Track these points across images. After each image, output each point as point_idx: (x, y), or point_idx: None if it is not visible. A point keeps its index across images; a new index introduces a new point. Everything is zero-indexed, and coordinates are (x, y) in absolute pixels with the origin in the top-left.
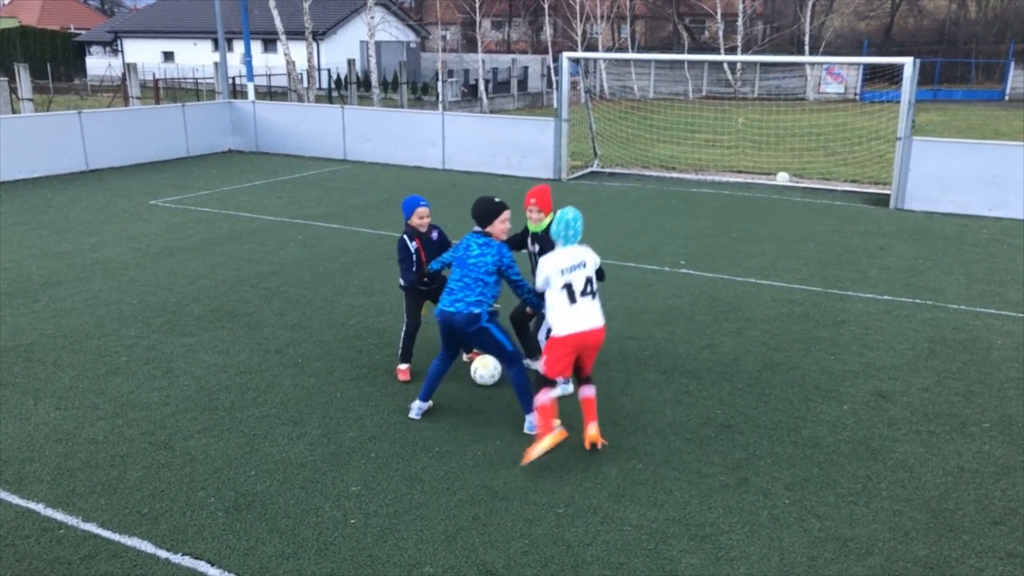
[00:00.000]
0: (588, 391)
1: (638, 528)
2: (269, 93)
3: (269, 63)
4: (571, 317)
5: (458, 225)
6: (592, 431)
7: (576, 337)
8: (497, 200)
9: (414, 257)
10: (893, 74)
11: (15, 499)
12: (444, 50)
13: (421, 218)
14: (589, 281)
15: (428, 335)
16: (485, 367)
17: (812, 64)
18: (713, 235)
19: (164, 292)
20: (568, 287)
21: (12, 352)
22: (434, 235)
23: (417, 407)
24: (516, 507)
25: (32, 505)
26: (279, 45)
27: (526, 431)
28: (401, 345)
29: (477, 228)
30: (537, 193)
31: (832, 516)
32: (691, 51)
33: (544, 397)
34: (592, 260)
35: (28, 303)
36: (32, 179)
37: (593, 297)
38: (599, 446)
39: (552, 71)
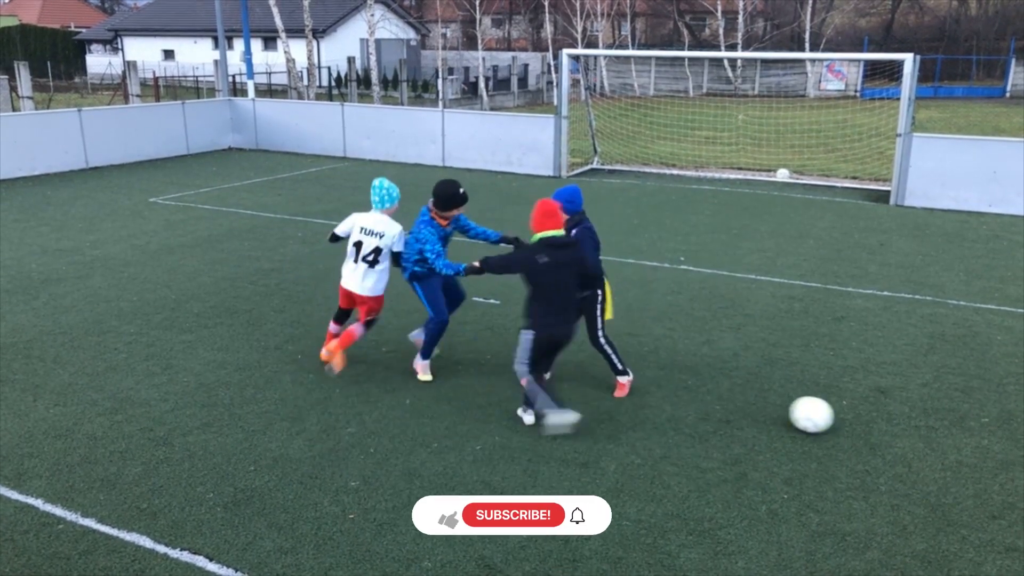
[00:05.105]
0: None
1: (636, 523)
2: (269, 91)
3: (269, 61)
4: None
5: None
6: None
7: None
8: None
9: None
10: (894, 71)
11: (14, 494)
12: (444, 48)
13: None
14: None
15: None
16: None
17: (813, 61)
18: (713, 232)
19: (164, 289)
20: (358, 245)
21: (11, 348)
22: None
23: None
24: None
25: (31, 500)
26: (279, 43)
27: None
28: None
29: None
30: None
31: (830, 511)
32: (691, 48)
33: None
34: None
35: (28, 300)
36: (32, 177)
37: (371, 266)
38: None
39: (552, 68)
